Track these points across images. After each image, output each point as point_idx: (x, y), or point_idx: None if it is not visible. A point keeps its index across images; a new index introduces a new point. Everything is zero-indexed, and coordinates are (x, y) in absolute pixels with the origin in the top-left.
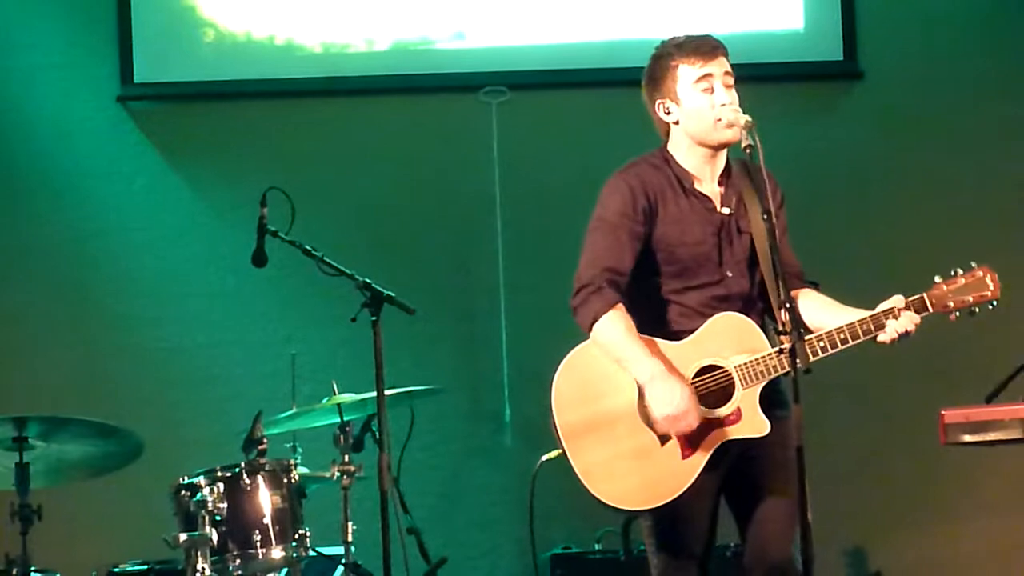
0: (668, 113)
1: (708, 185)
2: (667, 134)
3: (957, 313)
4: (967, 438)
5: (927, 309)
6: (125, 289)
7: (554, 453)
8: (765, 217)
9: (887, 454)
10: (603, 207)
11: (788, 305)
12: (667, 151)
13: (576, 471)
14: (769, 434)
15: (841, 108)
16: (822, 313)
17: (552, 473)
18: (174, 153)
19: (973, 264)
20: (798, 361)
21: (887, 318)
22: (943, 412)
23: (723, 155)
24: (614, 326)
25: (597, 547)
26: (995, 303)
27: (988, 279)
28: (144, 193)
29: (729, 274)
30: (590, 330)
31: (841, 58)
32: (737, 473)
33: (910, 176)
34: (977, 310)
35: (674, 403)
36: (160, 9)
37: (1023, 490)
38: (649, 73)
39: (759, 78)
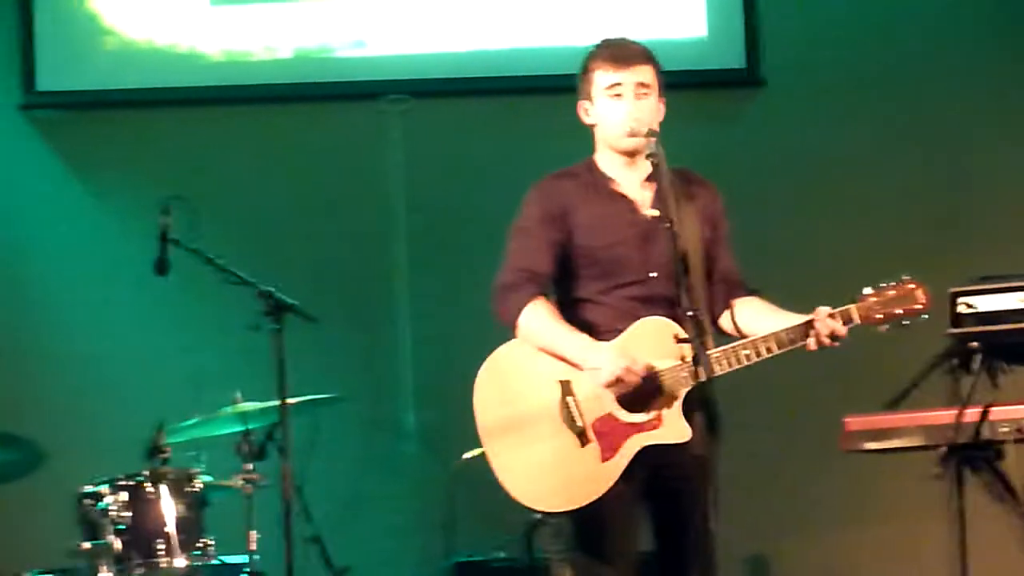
0: (587, 114)
1: (631, 188)
2: (593, 137)
3: (886, 325)
4: (869, 445)
5: (853, 320)
6: (26, 297)
7: (474, 452)
8: (667, 226)
9: (790, 460)
10: (520, 216)
11: (690, 313)
12: (592, 158)
13: (495, 471)
14: (693, 446)
15: (744, 115)
16: (758, 320)
17: (455, 481)
18: (77, 161)
19: (904, 276)
20: (702, 370)
21: (812, 328)
22: (846, 419)
23: (645, 160)
24: (538, 314)
25: (500, 555)
26: (927, 316)
27: (919, 291)
28: (46, 201)
29: (653, 275)
30: (515, 325)
31: (744, 66)
32: (657, 485)
33: (812, 184)
34: (908, 323)
35: (617, 360)
36: (62, 17)
37: (925, 496)
38: (578, 73)
39: (663, 85)
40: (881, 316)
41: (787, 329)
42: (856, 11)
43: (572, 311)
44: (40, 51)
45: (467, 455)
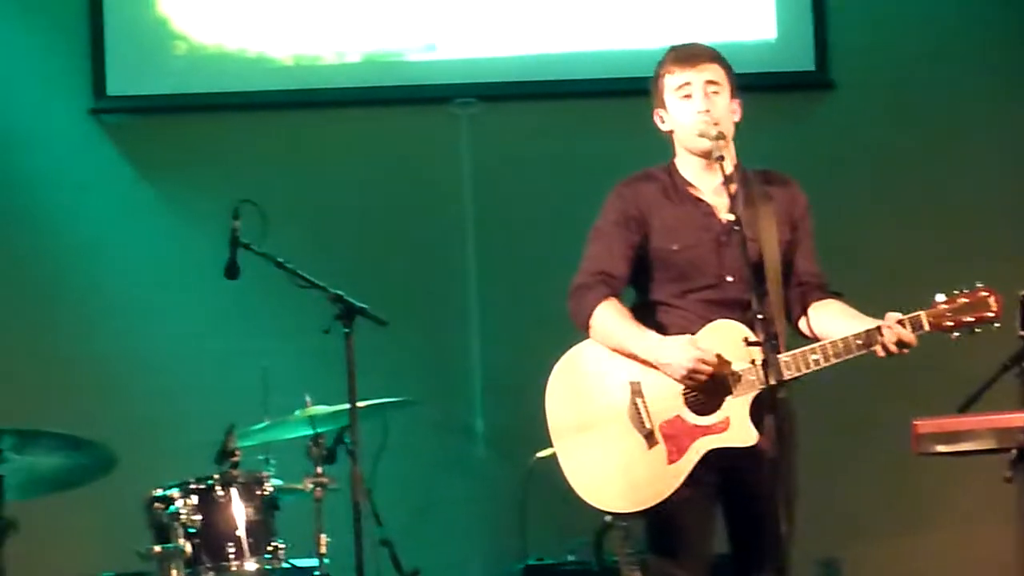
0: (663, 122)
1: (709, 192)
2: (672, 144)
3: (958, 333)
4: (940, 448)
5: (923, 328)
6: (98, 301)
7: (548, 451)
8: (736, 228)
9: (861, 464)
10: (599, 218)
11: (760, 317)
12: (672, 161)
13: (564, 471)
14: (764, 450)
15: (814, 117)
16: (833, 325)
17: (526, 483)
18: (146, 166)
19: (978, 284)
20: (772, 374)
21: (880, 334)
22: (916, 422)
23: (725, 163)
24: (608, 314)
25: (570, 558)
26: (998, 324)
27: (991, 300)
28: (116, 206)
29: (729, 279)
30: (587, 325)
31: (813, 68)
32: (732, 488)
33: (883, 186)
34: (979, 330)
35: (688, 350)
36: (133, 22)
37: (996, 500)
38: (651, 83)
39: (735, 86)
40: (952, 323)
41: (856, 335)
42: (925, 11)
43: (646, 314)
44: (110, 56)
45: (540, 454)
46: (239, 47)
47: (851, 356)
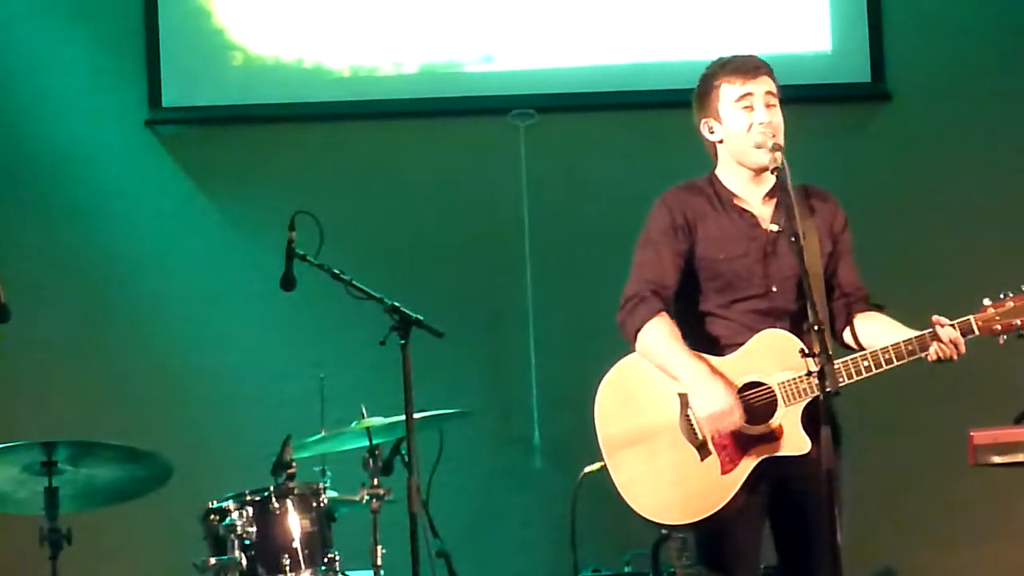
0: (712, 132)
1: (754, 202)
2: (714, 155)
3: (1005, 336)
4: (996, 459)
5: (973, 332)
6: (153, 312)
7: (596, 465)
8: (793, 239)
9: (917, 475)
10: (647, 227)
11: (817, 328)
12: (713, 173)
13: (616, 484)
14: (816, 461)
15: (869, 130)
16: (879, 334)
17: (580, 495)
18: (202, 177)
19: (1023, 287)
20: (827, 384)
21: (932, 340)
22: (972, 433)
23: (770, 174)
24: (658, 332)
25: (627, 569)
26: None
27: None
28: (172, 217)
29: (775, 289)
30: (635, 339)
31: (869, 80)
32: (783, 499)
33: (940, 198)
34: None
35: (718, 401)
36: (188, 33)
37: None
38: (696, 93)
39: (788, 100)
40: (999, 327)
41: (907, 340)
42: (981, 21)
43: (694, 325)
44: (166, 67)
45: (588, 468)
46: (296, 58)
47: (901, 363)
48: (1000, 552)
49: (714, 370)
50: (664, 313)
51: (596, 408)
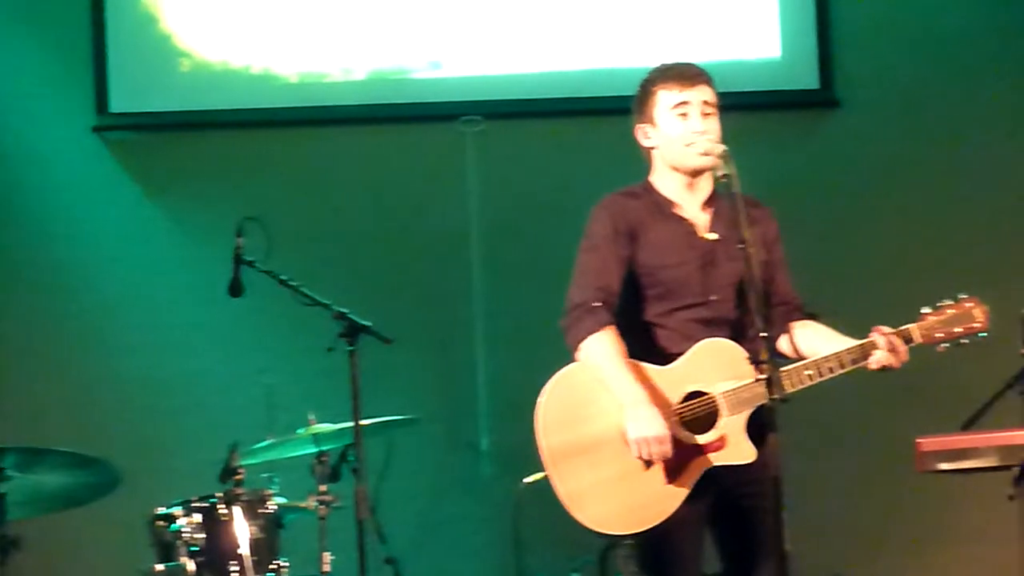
0: (647, 137)
1: (691, 210)
2: (649, 161)
3: (946, 344)
4: (943, 466)
5: (913, 340)
6: (101, 319)
7: (536, 476)
8: (740, 247)
9: (865, 482)
10: (589, 233)
11: (764, 335)
12: (648, 179)
13: (560, 495)
14: (761, 468)
15: (818, 136)
16: (818, 343)
17: (528, 502)
18: (150, 183)
19: (961, 295)
20: (774, 390)
21: (872, 348)
22: (919, 440)
23: (706, 181)
24: (603, 346)
25: None
26: (984, 334)
27: (977, 311)
28: (120, 223)
29: (714, 297)
30: (577, 348)
31: (818, 86)
32: (726, 507)
33: (886, 204)
34: (966, 341)
35: (652, 428)
36: (136, 39)
37: (1002, 518)
38: (635, 99)
39: (737, 106)
40: (941, 335)
41: (849, 349)
42: (929, 30)
43: (635, 334)
44: (113, 72)
45: (528, 479)
46: (244, 64)
47: (844, 371)
48: (946, 558)
49: (657, 394)
50: (611, 328)
51: (538, 418)
